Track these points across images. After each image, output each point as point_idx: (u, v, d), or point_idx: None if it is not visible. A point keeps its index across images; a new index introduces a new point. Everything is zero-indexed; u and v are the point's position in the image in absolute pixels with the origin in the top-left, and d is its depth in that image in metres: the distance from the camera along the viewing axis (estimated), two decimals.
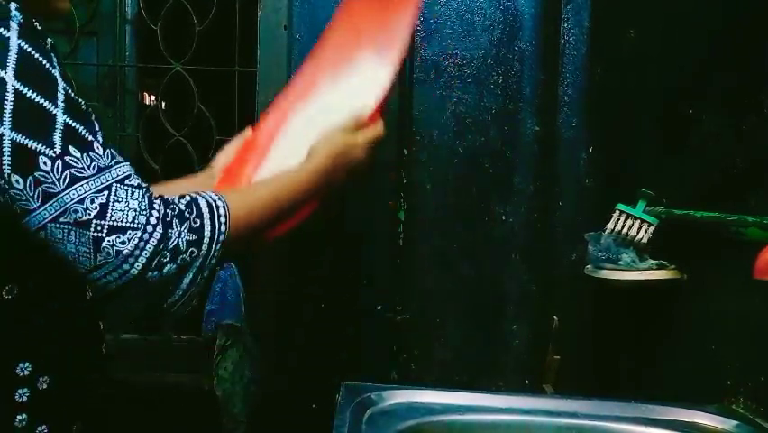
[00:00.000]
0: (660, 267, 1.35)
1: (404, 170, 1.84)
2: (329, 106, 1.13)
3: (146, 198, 0.80)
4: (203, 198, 0.87)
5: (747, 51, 1.18)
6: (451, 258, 1.87)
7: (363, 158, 1.08)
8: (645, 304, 1.46)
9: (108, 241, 0.75)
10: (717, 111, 1.26)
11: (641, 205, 1.39)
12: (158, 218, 0.79)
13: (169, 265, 0.79)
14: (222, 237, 0.85)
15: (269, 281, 1.91)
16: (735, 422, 1.07)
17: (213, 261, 0.85)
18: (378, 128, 1.11)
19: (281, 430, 1.88)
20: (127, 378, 1.79)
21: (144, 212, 0.78)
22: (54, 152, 0.74)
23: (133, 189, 0.79)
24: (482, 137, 1.86)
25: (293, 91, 1.23)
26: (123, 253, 0.76)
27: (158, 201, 0.81)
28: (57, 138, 0.75)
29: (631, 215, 1.39)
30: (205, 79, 1.94)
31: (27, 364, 0.83)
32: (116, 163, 0.80)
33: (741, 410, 1.11)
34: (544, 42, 1.84)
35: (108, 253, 0.76)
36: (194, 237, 0.82)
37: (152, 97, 3.06)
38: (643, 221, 1.38)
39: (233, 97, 1.91)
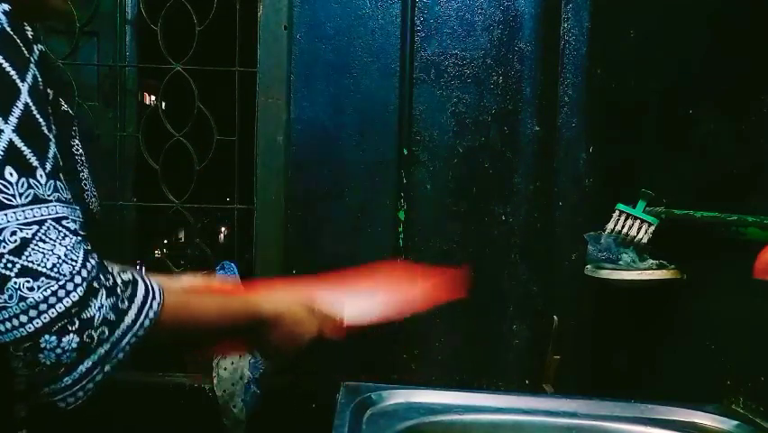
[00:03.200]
0: (660, 267, 1.35)
1: (404, 170, 1.85)
2: (314, 295, 1.11)
3: (80, 249, 0.69)
4: (144, 284, 0.78)
5: (747, 51, 1.18)
6: (451, 258, 1.87)
7: (302, 342, 1.02)
8: (645, 304, 1.46)
9: (15, 283, 0.65)
10: (717, 111, 1.26)
11: (641, 205, 1.39)
12: (84, 279, 0.68)
13: (72, 336, 0.67)
14: (140, 333, 0.75)
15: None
16: (735, 422, 1.06)
17: (120, 355, 0.73)
18: (338, 334, 1.07)
19: (281, 430, 1.88)
20: (127, 378, 1.79)
21: (71, 263, 0.68)
22: None
23: (67, 234, 0.69)
24: (482, 137, 1.86)
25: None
26: (27, 301, 0.65)
27: (93, 261, 0.71)
28: None
29: (631, 215, 1.39)
30: (205, 79, 1.94)
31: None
32: (57, 200, 0.70)
33: (741, 410, 1.11)
34: (543, 42, 1.84)
35: (10, 297, 0.65)
36: (112, 317, 0.71)
37: (152, 97, 3.06)
38: (643, 221, 1.38)
39: (233, 97, 1.91)
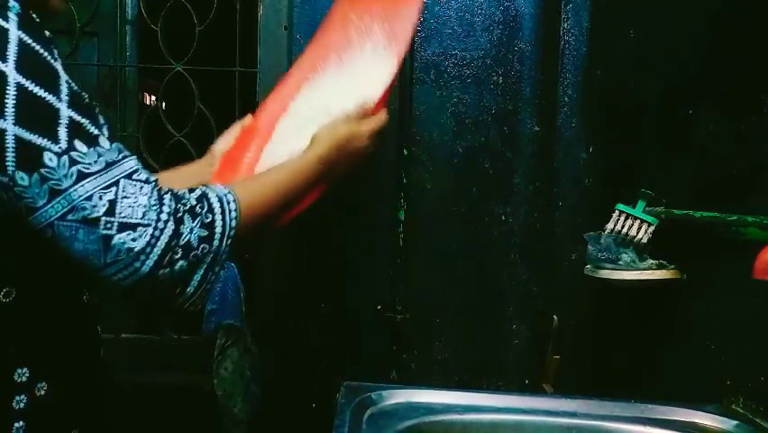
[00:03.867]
0: (660, 267, 1.35)
1: (404, 170, 1.85)
2: (332, 95, 1.13)
3: (155, 193, 0.78)
4: (213, 192, 0.86)
5: (747, 51, 1.18)
6: (451, 258, 1.87)
7: (366, 147, 1.08)
8: (645, 304, 1.46)
9: (119, 238, 0.73)
10: (717, 111, 1.26)
11: (641, 205, 1.39)
12: (169, 214, 0.77)
13: (180, 262, 0.78)
14: (232, 232, 0.84)
15: (269, 281, 1.91)
16: (735, 422, 1.07)
17: (224, 256, 0.84)
18: (381, 118, 1.11)
19: (281, 430, 1.88)
20: (127, 378, 1.79)
21: (154, 207, 0.76)
22: (60, 148, 0.72)
23: (142, 184, 0.77)
24: (482, 137, 1.86)
25: (294, 77, 1.22)
26: (135, 250, 0.74)
27: (168, 196, 0.79)
28: (62, 133, 0.73)
29: (631, 215, 1.39)
30: (206, 79, 1.94)
31: (25, 370, 0.80)
32: (123, 158, 0.78)
33: (741, 410, 1.11)
34: (543, 42, 1.84)
35: (119, 251, 0.74)
36: (205, 233, 0.81)
37: (153, 97, 3.06)
38: (642, 221, 1.38)
39: (233, 97, 1.91)
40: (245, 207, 0.88)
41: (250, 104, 1.90)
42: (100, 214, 0.73)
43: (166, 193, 0.79)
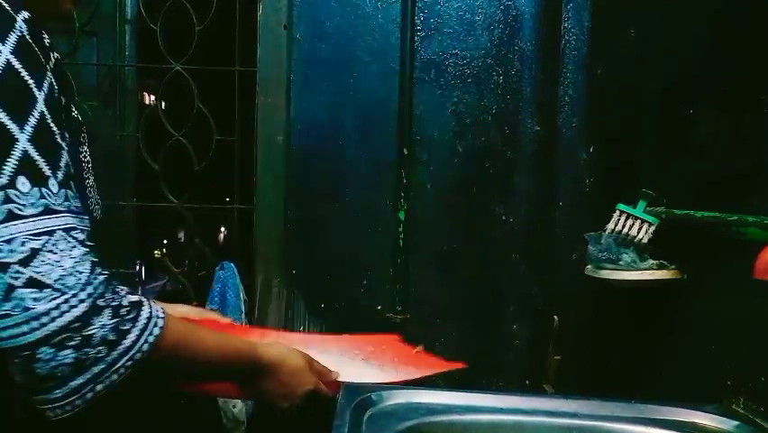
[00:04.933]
0: (660, 267, 1.35)
1: (404, 170, 1.84)
2: (313, 351, 1.12)
3: (87, 263, 0.70)
4: (149, 308, 0.77)
5: (748, 51, 1.18)
6: (451, 258, 1.87)
7: (300, 395, 1.02)
8: (646, 304, 1.46)
9: (21, 292, 0.66)
10: (717, 111, 1.26)
11: (641, 205, 1.39)
12: (90, 295, 0.69)
13: (69, 351, 0.68)
14: (138, 356, 0.74)
15: (268, 281, 1.91)
16: (735, 422, 1.06)
17: (115, 376, 0.72)
18: (326, 397, 1.07)
19: (281, 430, 1.87)
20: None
21: (77, 276, 0.69)
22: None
23: (76, 245, 0.70)
24: (482, 137, 1.86)
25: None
26: (32, 312, 0.66)
27: (101, 276, 0.71)
28: (8, 167, 0.67)
29: (631, 215, 1.39)
30: (206, 79, 1.94)
31: None
32: (68, 210, 0.71)
33: (741, 410, 1.11)
34: (544, 42, 1.84)
35: (15, 306, 0.66)
36: (112, 338, 0.71)
37: (152, 97, 3.06)
38: (643, 221, 1.38)
39: (233, 97, 1.91)
40: (169, 343, 0.79)
41: (249, 104, 1.91)
42: (13, 260, 0.66)
43: (101, 274, 0.72)
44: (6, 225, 0.66)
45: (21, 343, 0.66)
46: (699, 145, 1.31)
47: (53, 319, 0.67)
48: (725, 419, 1.07)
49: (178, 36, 1.91)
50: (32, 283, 0.66)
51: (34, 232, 0.67)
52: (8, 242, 0.66)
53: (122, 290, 0.75)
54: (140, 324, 0.75)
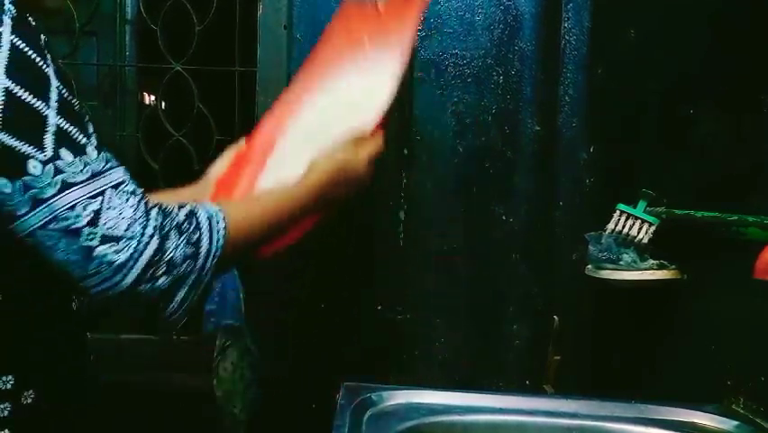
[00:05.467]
0: (660, 267, 1.35)
1: (404, 170, 1.84)
2: (329, 118, 1.11)
3: (142, 206, 0.76)
4: (203, 209, 0.84)
5: (748, 51, 1.18)
6: (451, 258, 1.87)
7: (363, 174, 1.05)
8: (646, 304, 1.46)
9: (101, 250, 0.72)
10: (717, 111, 1.26)
11: (641, 205, 1.39)
12: (155, 228, 0.76)
13: (163, 278, 0.76)
14: (218, 252, 0.82)
15: (269, 281, 1.91)
16: (735, 422, 1.06)
17: (208, 275, 0.81)
18: (378, 142, 1.07)
19: (281, 430, 1.87)
20: (127, 378, 1.79)
21: (140, 221, 0.75)
22: (45, 156, 0.71)
23: (128, 196, 0.76)
24: (482, 137, 1.86)
25: (290, 99, 1.20)
26: (116, 263, 0.73)
27: (155, 210, 0.78)
28: (48, 141, 0.71)
29: (632, 215, 1.39)
30: (206, 79, 1.94)
31: (10, 378, 0.79)
32: (110, 168, 0.76)
33: (741, 410, 1.11)
34: (544, 42, 1.84)
35: (101, 263, 0.72)
36: (191, 251, 0.79)
37: (152, 97, 3.05)
38: (643, 221, 1.38)
39: (233, 97, 1.91)
40: (233, 229, 0.85)
41: (249, 104, 1.91)
42: (83, 224, 0.72)
43: (153, 207, 0.78)
44: (65, 193, 0.71)
45: (119, 290, 0.73)
46: (699, 145, 1.31)
47: (136, 261, 0.73)
48: (725, 419, 1.08)
49: (178, 36, 1.91)
50: (107, 239, 0.73)
51: (91, 194, 0.73)
52: (71, 208, 0.71)
53: (174, 209, 0.81)
54: (204, 227, 0.81)
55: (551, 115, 1.83)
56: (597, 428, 1.08)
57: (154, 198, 0.81)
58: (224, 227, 0.84)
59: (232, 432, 1.82)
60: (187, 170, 1.94)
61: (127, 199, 0.75)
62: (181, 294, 0.79)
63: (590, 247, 1.45)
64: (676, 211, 1.32)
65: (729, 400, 1.14)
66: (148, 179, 2.00)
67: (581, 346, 1.79)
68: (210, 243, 0.81)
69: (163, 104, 2.05)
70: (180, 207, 0.82)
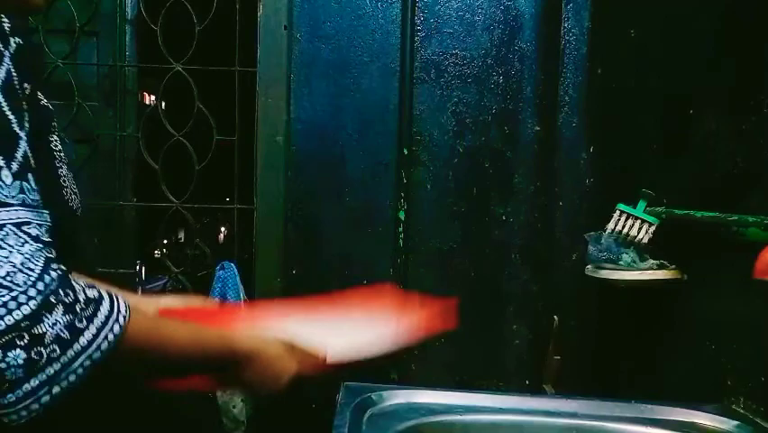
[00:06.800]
0: (660, 267, 1.35)
1: (404, 170, 1.84)
2: (307, 329, 1.05)
3: (41, 260, 0.65)
4: (111, 303, 0.71)
5: (747, 51, 1.18)
6: (451, 258, 1.87)
7: (280, 382, 0.95)
8: (646, 304, 1.46)
9: None
10: (717, 111, 1.26)
11: (641, 205, 1.39)
12: (40, 291, 0.63)
13: (18, 351, 0.62)
14: (97, 355, 0.68)
15: (268, 281, 1.91)
16: (735, 422, 1.06)
17: (71, 378, 0.66)
18: (309, 369, 1.00)
19: (281, 430, 1.87)
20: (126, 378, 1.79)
21: (27, 273, 0.63)
22: None
23: (28, 241, 0.64)
24: (482, 137, 1.86)
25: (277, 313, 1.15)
26: None
27: (56, 273, 0.66)
28: None
29: (631, 215, 1.39)
30: (205, 79, 1.94)
31: None
32: (22, 203, 0.65)
33: (741, 410, 1.11)
34: (544, 42, 1.84)
35: None
36: (66, 336, 0.65)
37: (152, 97, 3.06)
38: (643, 221, 1.38)
39: (233, 97, 1.91)
40: (135, 340, 0.72)
41: (249, 104, 1.91)
42: None
43: (56, 269, 0.66)
44: None
45: None
46: (699, 145, 1.31)
47: (0, 318, 0.61)
48: (725, 419, 1.08)
49: (179, 36, 1.91)
50: None
51: None
52: None
53: (80, 285, 0.69)
54: (98, 321, 0.68)
55: (551, 115, 1.83)
56: (597, 428, 1.08)
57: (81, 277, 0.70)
58: (120, 332, 0.70)
59: (232, 432, 1.82)
60: (187, 170, 1.95)
61: (23, 243, 0.64)
62: (31, 384, 0.64)
63: (590, 247, 1.45)
64: (676, 211, 1.32)
65: (729, 400, 1.14)
66: (148, 180, 2.00)
67: (581, 346, 1.79)
68: (92, 341, 0.67)
69: (163, 104, 2.05)
70: (90, 287, 0.70)
